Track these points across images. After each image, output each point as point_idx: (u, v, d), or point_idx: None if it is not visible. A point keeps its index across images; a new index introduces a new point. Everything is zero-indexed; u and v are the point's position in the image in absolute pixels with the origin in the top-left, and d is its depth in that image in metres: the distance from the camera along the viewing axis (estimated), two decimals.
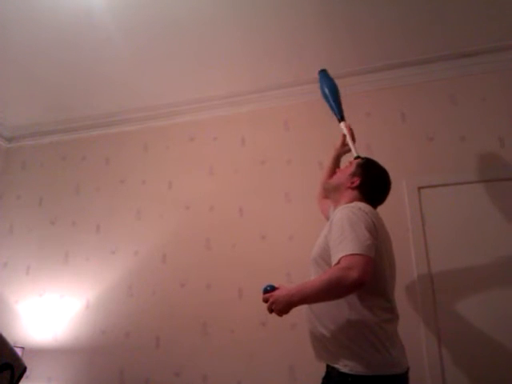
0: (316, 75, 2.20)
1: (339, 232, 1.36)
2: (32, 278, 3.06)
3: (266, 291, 1.44)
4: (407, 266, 2.29)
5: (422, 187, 2.43)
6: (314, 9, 2.22)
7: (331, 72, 2.21)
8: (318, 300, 1.39)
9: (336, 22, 2.32)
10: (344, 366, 1.33)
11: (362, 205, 1.48)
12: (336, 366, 1.36)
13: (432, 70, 2.61)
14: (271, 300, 1.38)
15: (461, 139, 2.46)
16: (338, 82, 2.13)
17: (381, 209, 1.64)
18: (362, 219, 1.38)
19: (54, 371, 2.75)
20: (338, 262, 1.30)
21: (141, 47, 2.52)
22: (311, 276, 1.55)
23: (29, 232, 3.21)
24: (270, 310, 1.39)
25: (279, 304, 1.36)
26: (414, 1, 2.17)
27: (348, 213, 1.41)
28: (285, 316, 1.52)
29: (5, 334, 1.36)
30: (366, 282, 1.25)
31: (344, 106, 2.09)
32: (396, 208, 2.36)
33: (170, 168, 3.03)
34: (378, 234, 1.40)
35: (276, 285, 1.46)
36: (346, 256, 1.28)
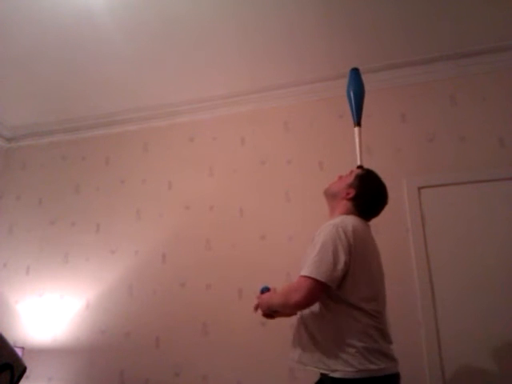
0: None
1: (314, 252, 1.42)
2: (32, 278, 3.06)
3: (262, 292, 1.60)
4: (407, 266, 2.29)
5: (422, 187, 2.43)
6: (314, 9, 2.22)
7: (331, 72, 2.21)
8: (282, 311, 1.54)
9: (336, 22, 2.32)
10: (333, 372, 1.34)
11: (349, 221, 1.48)
12: (327, 372, 1.37)
13: (432, 70, 2.61)
14: (257, 302, 1.59)
15: (461, 139, 2.46)
16: (337, 82, 2.13)
17: None
18: (336, 242, 1.40)
19: (54, 371, 2.75)
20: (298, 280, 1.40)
21: (141, 47, 2.52)
22: None
23: (29, 232, 3.21)
24: (256, 309, 1.58)
25: (262, 306, 1.56)
26: (414, 1, 2.17)
27: (327, 233, 1.44)
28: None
29: (5, 334, 1.35)
30: (307, 304, 1.39)
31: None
32: (396, 208, 2.36)
33: (169, 168, 3.03)
34: (353, 252, 1.41)
35: (270, 286, 1.60)
36: (301, 277, 1.39)
